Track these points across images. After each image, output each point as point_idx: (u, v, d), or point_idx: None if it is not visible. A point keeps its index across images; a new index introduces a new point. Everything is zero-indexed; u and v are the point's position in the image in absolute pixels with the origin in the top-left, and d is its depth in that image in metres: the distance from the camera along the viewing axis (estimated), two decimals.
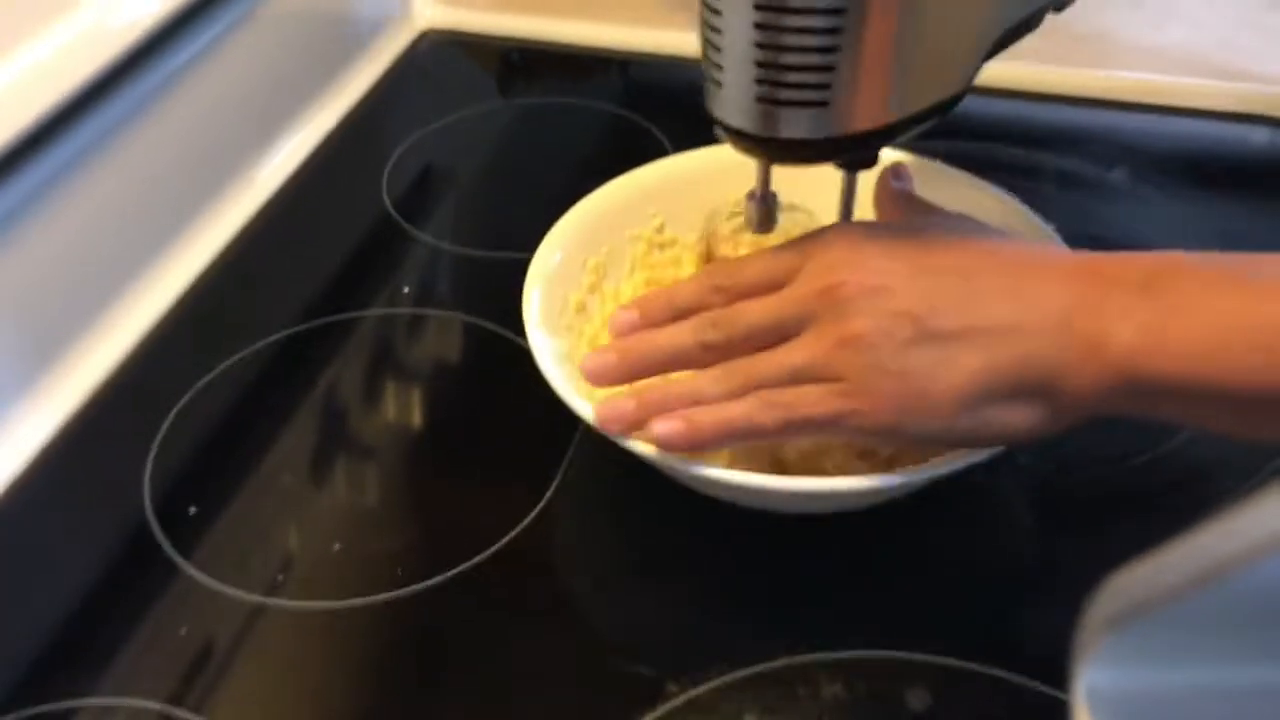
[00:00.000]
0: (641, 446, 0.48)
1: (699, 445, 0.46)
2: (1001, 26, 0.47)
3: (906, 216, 0.52)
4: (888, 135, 0.47)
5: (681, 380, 0.47)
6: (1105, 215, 0.72)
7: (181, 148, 0.69)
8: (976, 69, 0.48)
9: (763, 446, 0.52)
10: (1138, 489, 0.54)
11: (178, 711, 0.47)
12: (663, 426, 0.46)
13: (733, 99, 0.46)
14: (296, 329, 0.65)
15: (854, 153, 0.48)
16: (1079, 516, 0.54)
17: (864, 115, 0.45)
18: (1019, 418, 0.44)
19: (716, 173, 0.59)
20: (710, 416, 0.45)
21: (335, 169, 0.78)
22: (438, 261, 0.71)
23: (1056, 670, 0.25)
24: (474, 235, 0.72)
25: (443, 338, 0.66)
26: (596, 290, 0.59)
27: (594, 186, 0.60)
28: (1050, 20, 0.49)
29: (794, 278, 0.47)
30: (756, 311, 0.47)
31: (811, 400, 0.44)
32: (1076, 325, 0.42)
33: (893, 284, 0.44)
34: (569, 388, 0.50)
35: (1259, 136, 0.78)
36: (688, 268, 0.61)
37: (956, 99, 0.48)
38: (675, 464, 0.47)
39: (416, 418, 0.63)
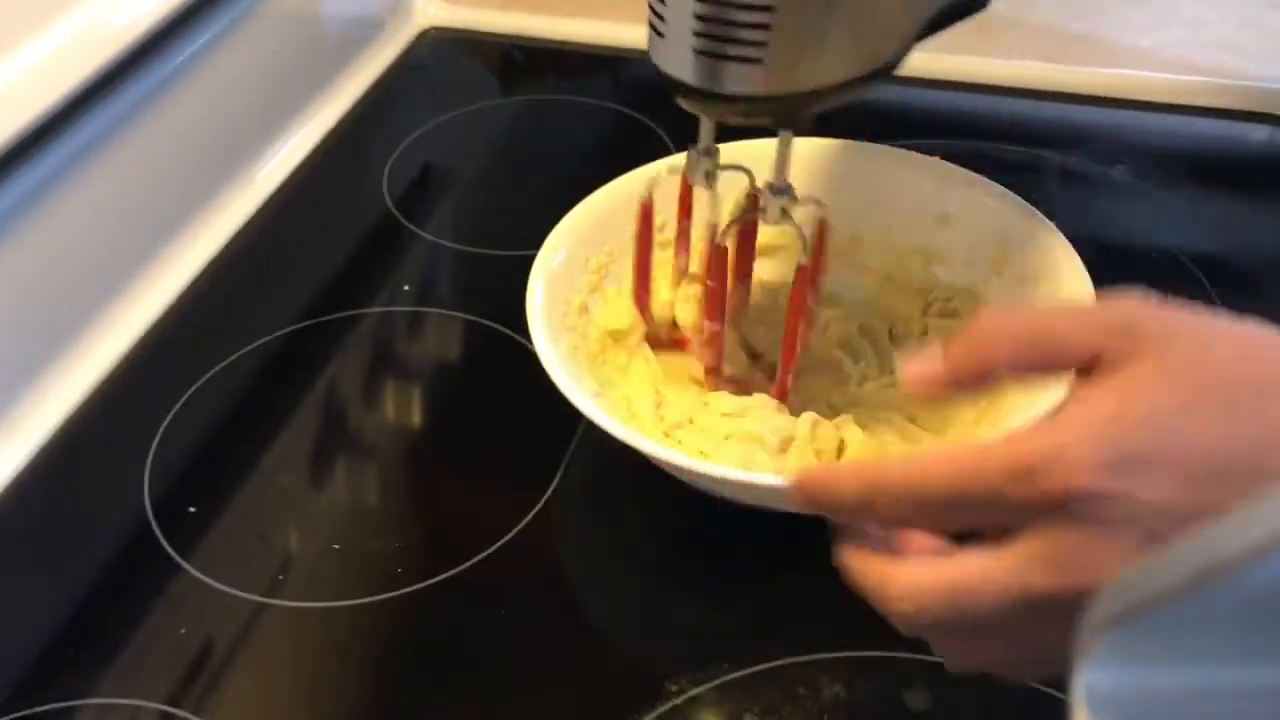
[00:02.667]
0: (642, 444, 0.48)
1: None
2: (933, 5, 0.48)
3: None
4: (822, 98, 0.47)
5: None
6: (1106, 213, 0.72)
7: (182, 146, 0.69)
8: (910, 43, 0.48)
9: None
10: None
11: (178, 711, 0.47)
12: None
13: (674, 50, 0.46)
14: (296, 327, 0.65)
15: (790, 113, 0.49)
16: None
17: (801, 76, 0.46)
18: None
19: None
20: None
21: (336, 166, 0.78)
22: (439, 259, 0.71)
23: None
24: (475, 233, 0.72)
25: (443, 336, 0.66)
26: (598, 290, 0.59)
27: (595, 184, 0.60)
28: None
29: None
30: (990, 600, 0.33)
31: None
32: None
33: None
34: (573, 387, 0.50)
35: (1259, 135, 0.78)
36: (689, 266, 0.61)
37: (889, 69, 0.48)
38: (675, 463, 0.47)
39: (417, 416, 0.63)
